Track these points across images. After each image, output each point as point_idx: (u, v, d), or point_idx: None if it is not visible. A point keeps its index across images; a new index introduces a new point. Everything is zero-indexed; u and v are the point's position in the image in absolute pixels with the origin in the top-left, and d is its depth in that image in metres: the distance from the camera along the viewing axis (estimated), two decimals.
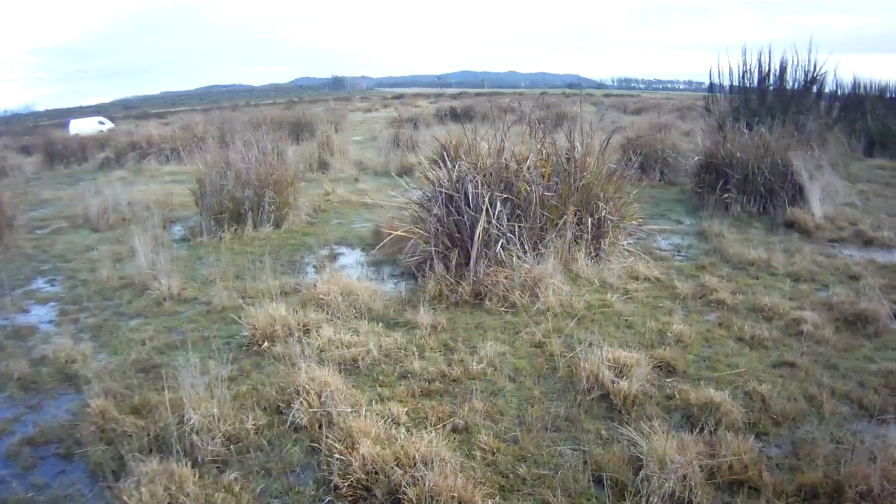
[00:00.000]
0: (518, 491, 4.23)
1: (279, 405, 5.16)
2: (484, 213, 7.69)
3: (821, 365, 6.15)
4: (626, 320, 7.02)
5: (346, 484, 4.16)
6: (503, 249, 7.75)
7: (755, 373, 5.90)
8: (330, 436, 4.54)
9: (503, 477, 4.36)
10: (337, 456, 4.34)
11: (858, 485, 4.03)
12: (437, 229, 7.99)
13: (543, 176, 8.43)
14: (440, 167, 8.58)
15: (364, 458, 4.26)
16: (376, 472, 4.20)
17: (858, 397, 5.53)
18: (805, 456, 4.63)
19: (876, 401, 5.42)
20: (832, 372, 6.03)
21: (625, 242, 9.04)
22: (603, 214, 8.60)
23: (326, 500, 4.14)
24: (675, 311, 7.21)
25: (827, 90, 18.08)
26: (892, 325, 7.13)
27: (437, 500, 3.91)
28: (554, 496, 4.09)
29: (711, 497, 4.17)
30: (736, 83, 17.61)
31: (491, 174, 8.16)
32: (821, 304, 7.58)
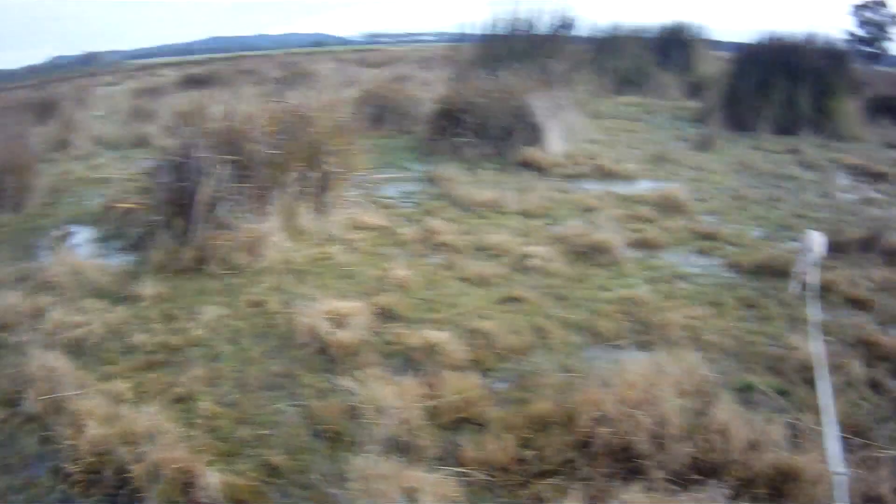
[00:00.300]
0: (240, 454, 4.13)
1: (13, 397, 4.82)
2: (208, 177, 7.47)
3: (551, 297, 6.33)
4: (348, 270, 6.95)
5: (78, 469, 3.96)
6: (230, 212, 7.56)
7: (479, 311, 5.98)
8: (59, 422, 4.31)
9: (224, 442, 4.24)
10: (66, 442, 4.13)
11: (591, 410, 4.11)
12: (164, 198, 7.70)
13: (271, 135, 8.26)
14: (171, 135, 8.29)
15: (91, 441, 4.07)
16: (104, 454, 4.01)
17: (591, 325, 5.73)
18: (533, 387, 4.73)
19: (610, 327, 5.62)
20: (563, 303, 6.22)
21: (350, 193, 8.98)
22: (328, 168, 8.52)
23: (59, 489, 3.91)
24: (397, 256, 7.21)
25: (581, 34, 18.54)
26: (627, 253, 7.44)
27: (162, 474, 3.79)
28: (276, 455, 4.04)
29: (436, 437, 4.19)
30: (486, 32, 17.75)
31: (220, 138, 7.94)
32: (553, 238, 7.80)
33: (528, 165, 11.41)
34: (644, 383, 4.18)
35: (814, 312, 5.87)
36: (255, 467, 4.00)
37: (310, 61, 29.77)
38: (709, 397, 4.26)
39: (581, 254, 7.32)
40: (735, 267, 7.28)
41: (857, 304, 6.49)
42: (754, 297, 6.48)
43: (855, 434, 4.28)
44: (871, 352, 5.44)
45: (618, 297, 6.27)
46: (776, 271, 7.05)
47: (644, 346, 5.32)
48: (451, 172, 10.42)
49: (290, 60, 32.61)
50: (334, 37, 75.29)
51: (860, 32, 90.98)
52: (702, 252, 7.73)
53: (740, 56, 18.60)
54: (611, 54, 24.41)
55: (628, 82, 23.43)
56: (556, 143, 12.06)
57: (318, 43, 63.49)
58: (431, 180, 10.29)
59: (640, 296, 6.23)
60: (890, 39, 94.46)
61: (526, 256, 7.14)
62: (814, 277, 6.58)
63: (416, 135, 13.23)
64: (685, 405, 4.09)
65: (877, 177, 12.86)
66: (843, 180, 12.30)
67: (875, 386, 4.98)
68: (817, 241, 6.72)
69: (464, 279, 6.70)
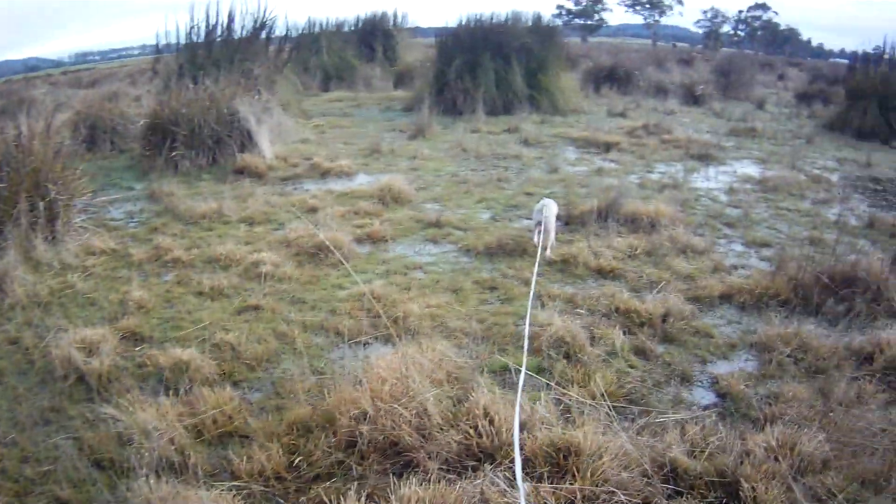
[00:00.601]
0: (31, 492, 3.89)
1: None
2: None
3: (286, 302, 6.33)
4: (90, 297, 6.61)
5: None
6: None
7: (220, 323, 5.91)
8: None
9: (15, 482, 3.98)
10: None
11: (350, 410, 4.15)
12: None
13: None
14: None
15: None
16: None
17: (332, 325, 5.78)
18: (287, 393, 4.74)
19: (351, 325, 5.69)
20: (300, 306, 6.24)
21: (79, 219, 8.60)
22: (52, 195, 8.11)
23: None
24: (132, 278, 6.99)
25: (277, 34, 18.42)
26: (358, 249, 7.59)
27: None
28: (62, 489, 3.83)
29: (205, 454, 4.13)
30: (184, 41, 17.30)
31: None
32: (278, 242, 7.81)
33: (244, 172, 11.25)
34: (395, 377, 4.29)
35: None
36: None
37: (26, 87, 27.91)
38: (465, 384, 4.45)
39: (310, 255, 7.36)
40: (469, 251, 7.60)
41: (605, 273, 7.00)
42: (494, 279, 6.81)
43: (631, 403, 4.64)
44: (630, 320, 5.89)
45: (354, 294, 6.36)
46: (511, 251, 7.44)
47: (389, 340, 5.43)
48: (170, 187, 10.02)
49: (5, 89, 30.49)
50: (48, 59, 70.96)
51: (571, 5, 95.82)
52: (432, 240, 8.00)
53: (444, 41, 19.14)
54: (313, 51, 24.49)
55: (334, 78, 23.65)
56: (267, 147, 11.97)
57: (33, 68, 59.62)
58: (152, 197, 9.90)
59: (377, 290, 6.34)
60: (606, 9, 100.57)
61: (256, 264, 7.09)
62: (550, 241, 7.08)
63: (132, 153, 12.76)
64: (442, 394, 4.26)
65: (604, 147, 13.79)
66: (569, 154, 13.05)
67: (641, 353, 5.40)
68: (550, 207, 7.16)
69: (200, 293, 6.56)
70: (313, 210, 9.09)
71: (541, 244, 7.04)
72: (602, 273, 7.02)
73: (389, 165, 11.88)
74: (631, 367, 5.16)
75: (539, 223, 7.15)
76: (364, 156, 12.62)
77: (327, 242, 6.72)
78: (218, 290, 6.58)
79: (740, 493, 3.61)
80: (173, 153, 11.46)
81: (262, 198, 9.71)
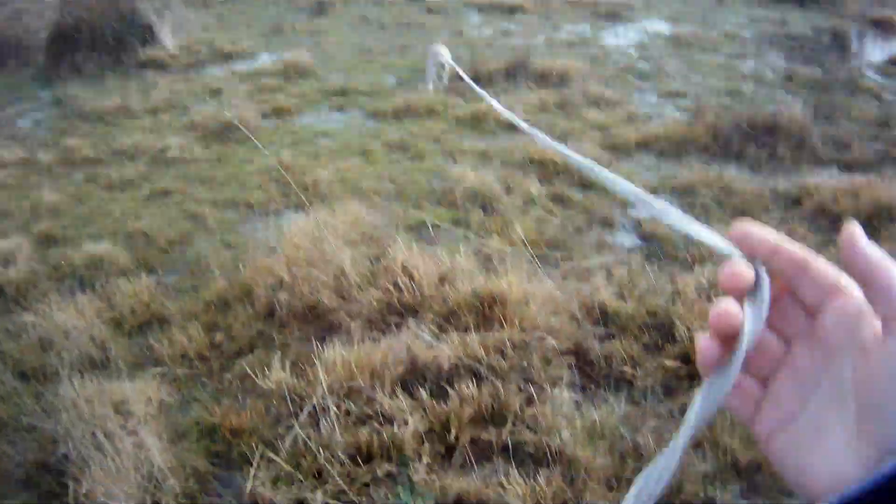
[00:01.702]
0: None
1: None
2: None
3: (196, 182, 6.24)
4: (1, 210, 6.37)
5: None
6: None
7: (132, 213, 5.79)
8: None
9: None
10: None
11: (266, 279, 4.15)
12: None
13: None
14: None
15: None
16: None
17: (243, 200, 5.72)
18: (202, 272, 4.69)
19: (262, 197, 5.63)
20: (209, 185, 6.16)
21: None
22: None
23: None
24: (43, 183, 6.75)
25: None
26: (264, 124, 7.52)
27: None
28: None
29: (127, 346, 4.10)
30: None
31: None
32: (185, 127, 7.62)
33: (149, 65, 10.92)
34: (310, 242, 4.26)
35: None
36: None
37: None
38: (381, 242, 4.40)
39: (217, 135, 7.23)
40: (376, 115, 7.50)
41: (516, 127, 6.82)
42: (403, 139, 6.73)
43: (554, 249, 4.62)
44: (545, 169, 5.86)
45: (263, 166, 6.29)
46: (418, 111, 7.32)
47: (300, 207, 5.35)
48: (75, 90, 9.75)
49: None
50: None
51: None
52: (338, 108, 7.89)
53: None
54: None
55: None
56: (169, 39, 11.63)
57: None
58: (59, 103, 9.58)
59: (285, 161, 6.24)
60: None
61: (163, 150, 6.94)
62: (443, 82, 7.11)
63: (37, 64, 12.29)
64: (359, 255, 4.21)
65: (508, 10, 13.54)
66: (473, 19, 12.83)
67: (559, 200, 5.37)
68: (442, 52, 7.09)
69: (110, 187, 6.40)
70: (218, 92, 8.86)
71: (438, 79, 7.17)
72: (513, 127, 6.88)
73: (293, 43, 11.55)
74: (550, 213, 5.17)
75: (434, 61, 7.13)
76: (266, 36, 12.30)
77: (233, 120, 6.57)
78: (127, 181, 6.45)
79: (675, 333, 3.65)
80: (78, 57, 11.09)
81: (167, 87, 9.48)
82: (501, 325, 3.69)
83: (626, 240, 4.95)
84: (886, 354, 0.55)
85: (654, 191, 5.50)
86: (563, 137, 6.54)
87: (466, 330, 3.68)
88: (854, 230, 0.58)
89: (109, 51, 11.36)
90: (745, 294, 0.61)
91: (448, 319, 3.76)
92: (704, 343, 0.61)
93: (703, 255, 4.44)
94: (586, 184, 5.63)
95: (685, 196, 5.48)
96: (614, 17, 13.17)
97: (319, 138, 6.99)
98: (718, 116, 6.61)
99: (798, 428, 0.60)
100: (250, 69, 9.97)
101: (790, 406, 0.61)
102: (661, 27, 12.38)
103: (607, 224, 5.10)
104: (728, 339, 0.60)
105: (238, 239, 5.09)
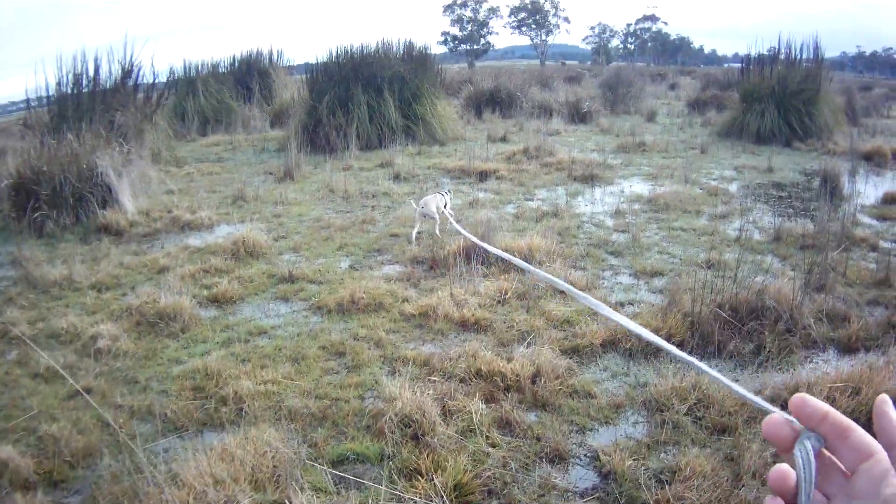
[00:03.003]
0: None
1: None
2: None
3: (119, 382, 5.75)
4: None
5: None
6: None
7: (49, 411, 5.28)
8: None
9: None
10: None
11: None
12: None
13: None
14: None
15: None
16: None
17: (162, 410, 5.16)
18: (104, 498, 4.12)
19: (180, 409, 5.12)
20: (131, 387, 5.66)
21: None
22: None
23: None
24: None
25: (147, 80, 17.68)
26: (202, 314, 7.03)
27: None
28: None
29: None
30: (54, 93, 16.50)
31: None
32: (123, 310, 7.17)
33: (106, 230, 10.64)
34: (214, 479, 3.79)
35: None
36: None
37: None
38: (286, 485, 3.91)
39: (151, 325, 6.76)
40: (320, 309, 7.07)
41: (468, 326, 6.51)
42: (343, 342, 6.25)
43: (489, 496, 4.09)
44: (493, 384, 5.30)
45: (189, 369, 5.80)
46: (365, 306, 6.94)
47: (217, 426, 4.90)
48: (31, 251, 9.37)
49: None
50: None
51: (457, 31, 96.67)
52: (283, 298, 7.46)
53: (314, 76, 18.57)
54: (189, 95, 23.86)
55: (212, 121, 23.06)
56: (129, 202, 11.40)
57: None
58: (13, 263, 9.21)
59: (213, 365, 5.77)
60: (492, 32, 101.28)
61: (94, 338, 6.46)
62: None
63: (3, 211, 12.01)
64: (260, 500, 3.74)
65: (480, 176, 13.48)
66: (443, 187, 12.68)
67: (505, 425, 4.82)
68: (429, 203, 6.88)
69: (36, 375, 5.93)
70: (163, 270, 8.48)
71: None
72: (465, 325, 6.51)
73: (253, 213, 11.37)
74: (492, 445, 4.55)
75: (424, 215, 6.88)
76: (228, 204, 12.12)
77: (169, 310, 6.20)
78: (53, 371, 5.89)
79: None
80: (36, 214, 10.87)
81: (117, 259, 9.12)
82: None
83: (581, 478, 4.28)
84: None
85: (618, 408, 5.03)
86: (519, 338, 6.09)
87: None
88: (885, 400, 0.78)
89: (69, 209, 11.16)
90: (786, 447, 0.79)
91: None
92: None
93: (670, 499, 3.84)
94: (540, 401, 5.06)
95: (655, 412, 4.88)
96: (591, 179, 13.14)
97: (254, 338, 6.50)
98: (696, 301, 6.05)
99: None
100: (203, 244, 9.60)
101: None
102: (641, 188, 12.33)
103: (559, 458, 4.43)
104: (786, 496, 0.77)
105: (150, 461, 4.48)
